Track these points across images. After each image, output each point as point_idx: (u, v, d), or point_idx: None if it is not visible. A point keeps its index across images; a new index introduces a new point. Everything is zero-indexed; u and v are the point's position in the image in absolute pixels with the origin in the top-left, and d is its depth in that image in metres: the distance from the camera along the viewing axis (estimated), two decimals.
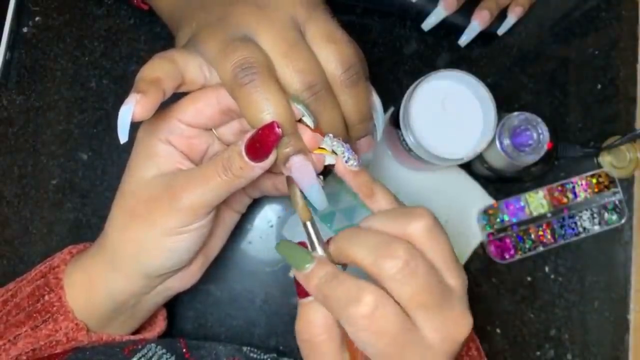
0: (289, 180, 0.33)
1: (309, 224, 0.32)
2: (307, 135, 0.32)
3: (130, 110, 0.30)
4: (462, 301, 0.30)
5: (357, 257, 0.29)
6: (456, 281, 0.30)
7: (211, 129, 0.36)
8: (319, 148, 0.33)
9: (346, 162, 0.33)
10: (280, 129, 0.30)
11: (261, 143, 0.30)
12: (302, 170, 0.32)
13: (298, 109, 0.31)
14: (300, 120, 0.32)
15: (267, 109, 0.30)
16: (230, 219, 0.41)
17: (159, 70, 0.31)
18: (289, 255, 0.31)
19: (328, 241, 0.32)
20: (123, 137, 0.30)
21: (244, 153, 0.31)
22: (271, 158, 0.31)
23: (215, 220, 0.36)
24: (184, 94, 0.34)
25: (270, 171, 0.33)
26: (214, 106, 0.33)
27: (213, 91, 0.33)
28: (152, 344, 0.37)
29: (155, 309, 0.40)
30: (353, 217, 0.51)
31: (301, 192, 0.33)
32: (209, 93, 0.33)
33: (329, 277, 0.29)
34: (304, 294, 0.31)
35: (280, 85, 0.31)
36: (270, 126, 0.30)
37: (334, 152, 0.33)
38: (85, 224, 0.49)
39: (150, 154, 0.34)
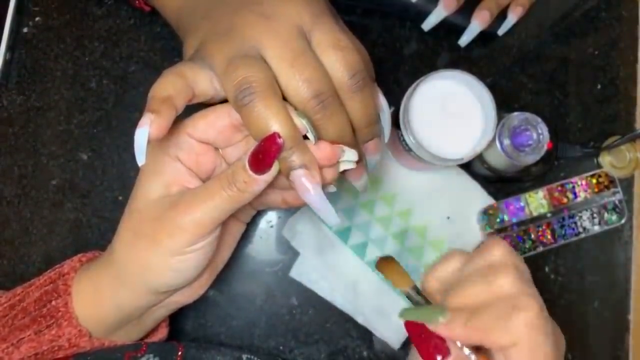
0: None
1: (411, 290, 0.33)
2: (327, 149, 0.32)
3: (146, 132, 0.30)
4: None
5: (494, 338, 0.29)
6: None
7: (218, 150, 0.36)
8: None
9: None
10: (281, 139, 0.30)
11: (263, 154, 0.31)
12: (306, 184, 0.31)
13: (303, 124, 0.32)
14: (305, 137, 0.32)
15: (267, 125, 0.31)
16: (237, 229, 0.41)
17: (170, 88, 0.32)
18: (420, 314, 0.31)
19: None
20: (141, 159, 0.31)
21: (247, 166, 0.31)
22: (273, 170, 0.31)
23: (222, 231, 0.36)
24: (196, 106, 0.35)
25: (274, 186, 0.33)
26: (226, 119, 0.34)
27: (225, 107, 0.34)
28: (150, 355, 0.37)
29: (161, 319, 0.40)
30: (369, 233, 0.51)
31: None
32: (221, 108, 0.34)
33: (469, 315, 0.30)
34: (432, 355, 0.30)
35: (282, 101, 0.32)
36: (271, 137, 0.30)
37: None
38: (85, 224, 0.49)
39: (158, 171, 0.35)
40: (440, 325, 0.30)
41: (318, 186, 0.32)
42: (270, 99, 0.31)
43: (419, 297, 0.33)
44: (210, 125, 0.34)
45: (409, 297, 0.33)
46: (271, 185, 0.33)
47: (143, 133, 0.30)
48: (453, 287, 0.32)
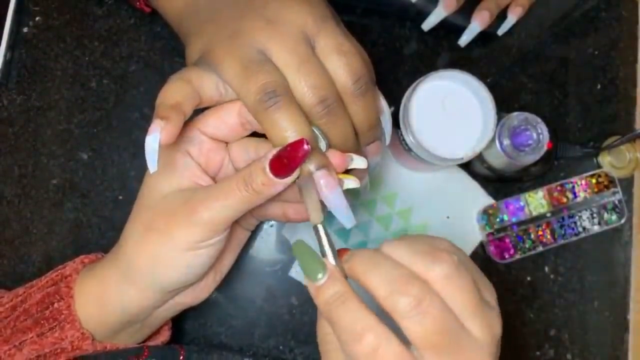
0: (303, 183, 0.32)
1: (320, 227, 0.31)
2: (336, 157, 0.33)
3: (156, 139, 0.30)
4: (483, 351, 0.29)
5: (372, 286, 0.29)
6: (480, 330, 0.29)
7: (226, 148, 0.37)
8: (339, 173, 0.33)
9: None
10: (309, 146, 0.30)
11: (289, 159, 0.31)
12: (328, 185, 0.32)
13: (314, 131, 0.32)
14: None
15: (290, 129, 0.31)
16: (241, 235, 0.41)
17: (177, 94, 0.32)
18: (303, 259, 0.31)
19: (341, 252, 0.31)
20: (153, 166, 0.31)
21: (267, 169, 0.31)
22: (295, 174, 0.32)
23: (228, 236, 0.36)
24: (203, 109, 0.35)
25: (280, 199, 0.34)
26: (235, 117, 0.34)
27: (234, 105, 0.34)
28: (152, 359, 0.37)
29: (164, 322, 0.40)
30: (369, 233, 0.51)
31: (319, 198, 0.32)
32: (231, 106, 0.34)
33: (338, 299, 0.29)
34: None
35: (300, 106, 0.32)
36: (299, 142, 0.30)
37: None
38: (86, 223, 0.49)
39: (169, 167, 0.35)
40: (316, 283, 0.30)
41: (338, 187, 0.32)
42: (292, 102, 0.32)
43: (324, 238, 0.32)
44: (221, 121, 0.35)
45: (316, 231, 0.32)
46: (275, 196, 0.33)
47: (154, 140, 0.30)
48: None
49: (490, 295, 0.31)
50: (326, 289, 0.30)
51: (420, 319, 0.27)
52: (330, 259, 0.31)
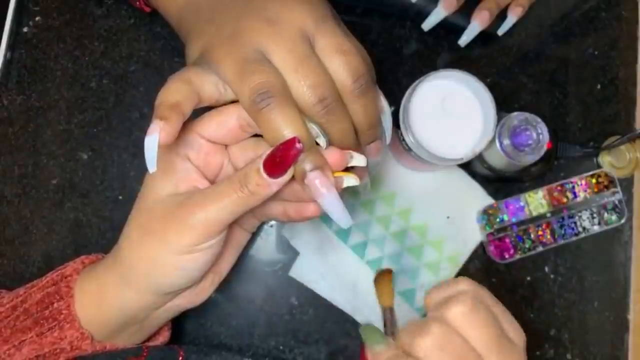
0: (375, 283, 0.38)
1: (387, 311, 0.36)
2: (335, 154, 0.33)
3: (156, 139, 0.30)
4: None
5: (400, 342, 0.31)
6: None
7: (226, 151, 0.37)
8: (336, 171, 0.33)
9: None
10: (300, 144, 0.30)
11: (281, 158, 0.31)
12: (321, 186, 0.32)
13: (313, 128, 0.32)
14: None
15: (285, 129, 0.31)
16: (241, 237, 0.41)
17: (177, 94, 0.32)
18: (368, 336, 0.33)
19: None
20: (152, 167, 0.31)
21: (262, 169, 0.31)
22: (288, 174, 0.31)
23: (227, 238, 0.36)
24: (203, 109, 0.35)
25: (281, 198, 0.34)
26: (234, 121, 0.34)
27: (234, 108, 0.34)
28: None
29: (163, 323, 0.40)
30: (369, 232, 0.51)
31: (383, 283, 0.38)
32: (230, 109, 0.34)
33: (394, 358, 0.31)
34: None
35: (297, 106, 0.32)
36: (291, 141, 0.30)
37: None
38: (86, 223, 0.49)
39: (167, 170, 0.35)
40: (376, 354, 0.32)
41: (333, 188, 0.32)
42: (286, 102, 0.32)
43: (391, 320, 0.37)
44: (221, 125, 0.35)
45: (384, 314, 0.37)
46: (275, 196, 0.33)
47: (153, 140, 0.30)
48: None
49: (515, 332, 0.32)
50: (384, 353, 0.32)
51: (442, 356, 0.29)
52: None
